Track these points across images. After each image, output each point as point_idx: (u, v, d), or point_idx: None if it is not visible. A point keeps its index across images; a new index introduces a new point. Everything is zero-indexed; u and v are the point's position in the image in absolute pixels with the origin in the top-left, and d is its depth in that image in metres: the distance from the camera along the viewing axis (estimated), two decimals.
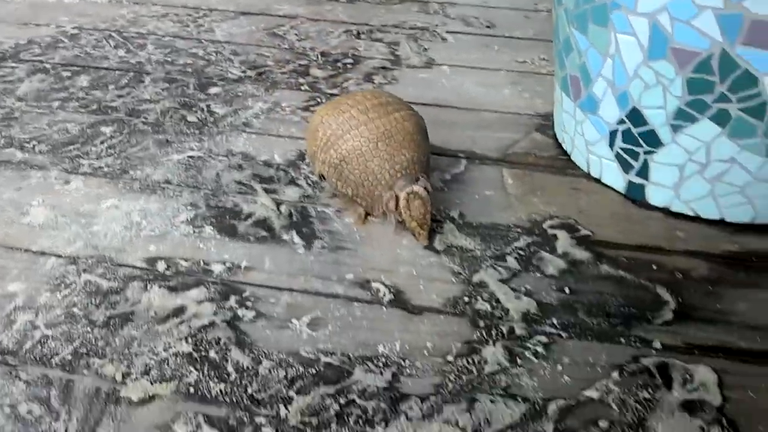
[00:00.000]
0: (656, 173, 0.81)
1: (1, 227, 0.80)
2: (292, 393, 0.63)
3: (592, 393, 0.63)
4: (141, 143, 0.95)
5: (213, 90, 1.07)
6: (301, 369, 0.65)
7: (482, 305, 0.71)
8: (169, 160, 0.92)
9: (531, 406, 0.62)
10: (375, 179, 0.77)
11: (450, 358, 0.66)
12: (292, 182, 0.88)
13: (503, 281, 0.74)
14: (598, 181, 0.88)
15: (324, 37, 1.23)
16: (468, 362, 0.66)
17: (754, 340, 0.68)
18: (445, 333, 0.69)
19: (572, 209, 0.84)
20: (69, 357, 0.65)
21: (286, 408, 0.61)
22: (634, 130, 0.80)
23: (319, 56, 1.17)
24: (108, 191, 0.86)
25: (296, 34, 1.24)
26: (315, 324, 0.69)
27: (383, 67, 1.14)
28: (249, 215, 0.83)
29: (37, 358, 0.65)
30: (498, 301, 0.72)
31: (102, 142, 0.95)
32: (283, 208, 0.84)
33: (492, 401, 0.62)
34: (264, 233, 0.80)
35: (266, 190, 0.87)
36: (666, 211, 0.83)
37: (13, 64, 1.15)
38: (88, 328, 0.68)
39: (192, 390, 0.63)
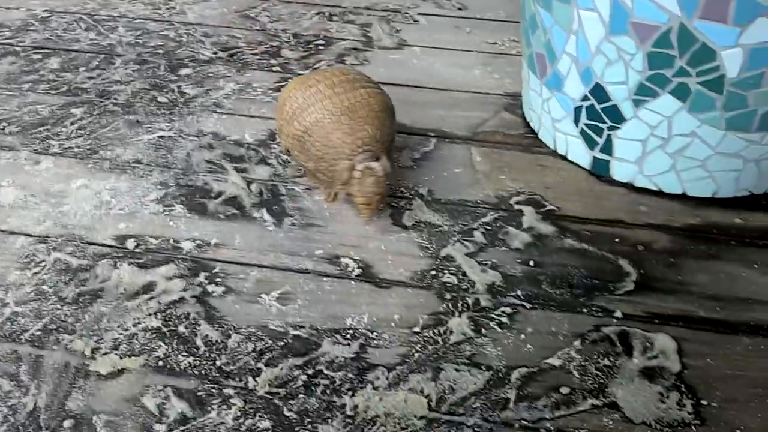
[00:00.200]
0: (620, 149, 0.83)
1: None
2: (260, 365, 0.64)
3: (554, 361, 0.64)
4: (111, 124, 0.95)
5: (184, 71, 1.07)
6: (270, 342, 0.66)
7: (449, 278, 0.73)
8: (139, 140, 0.92)
9: (494, 373, 0.63)
10: (336, 152, 0.76)
11: (417, 329, 0.67)
12: (263, 161, 0.89)
13: (470, 255, 0.75)
14: (564, 158, 0.89)
15: (296, 18, 1.23)
16: (434, 333, 0.67)
17: (713, 310, 0.70)
18: (412, 305, 0.70)
19: (539, 185, 0.85)
20: (38, 333, 0.66)
21: (255, 380, 0.62)
22: (598, 106, 0.81)
23: (291, 38, 1.17)
24: (78, 171, 0.86)
25: (268, 16, 1.24)
26: (284, 298, 0.70)
27: (355, 48, 1.14)
28: (219, 194, 0.83)
29: (7, 335, 0.66)
30: (464, 274, 0.73)
31: (72, 123, 0.95)
32: (253, 186, 0.84)
33: (457, 370, 0.63)
34: (234, 211, 0.81)
35: (237, 169, 0.87)
36: (630, 186, 0.85)
37: None
38: (58, 305, 0.69)
39: (161, 363, 0.63)
